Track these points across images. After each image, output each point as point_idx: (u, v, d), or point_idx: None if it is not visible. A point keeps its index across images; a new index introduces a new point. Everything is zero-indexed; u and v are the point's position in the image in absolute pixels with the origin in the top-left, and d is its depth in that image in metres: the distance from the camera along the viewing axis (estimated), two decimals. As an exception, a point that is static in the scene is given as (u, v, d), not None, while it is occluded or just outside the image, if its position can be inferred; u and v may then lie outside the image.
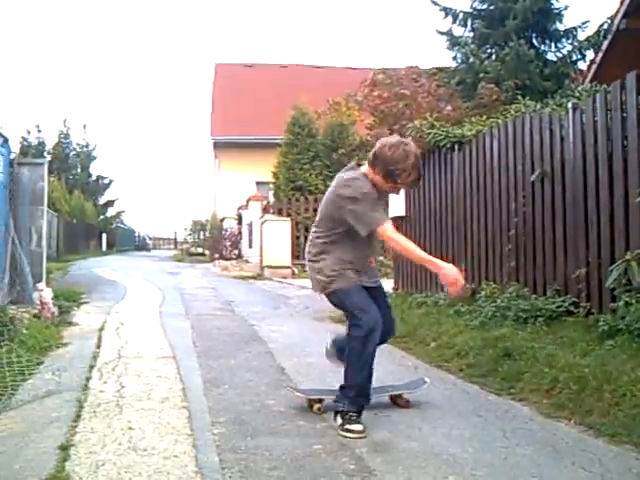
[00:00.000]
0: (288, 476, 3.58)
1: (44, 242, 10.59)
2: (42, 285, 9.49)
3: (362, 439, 4.16)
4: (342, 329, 8.70)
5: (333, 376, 5.91)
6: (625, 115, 6.27)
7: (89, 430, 4.35)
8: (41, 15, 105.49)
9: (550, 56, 17.14)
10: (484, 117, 10.31)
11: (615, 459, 3.78)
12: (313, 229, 4.85)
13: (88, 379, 5.77)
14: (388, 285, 11.49)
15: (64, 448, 3.96)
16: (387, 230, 4.51)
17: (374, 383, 5.25)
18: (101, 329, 8.54)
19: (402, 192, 10.73)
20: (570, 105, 7.33)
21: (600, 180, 6.58)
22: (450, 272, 4.31)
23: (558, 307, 6.80)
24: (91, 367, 6.26)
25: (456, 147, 9.36)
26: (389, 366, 6.37)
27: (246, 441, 4.15)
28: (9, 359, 6.11)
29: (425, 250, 4.54)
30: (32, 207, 10.18)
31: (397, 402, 4.98)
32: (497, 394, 5.28)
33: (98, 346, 7.39)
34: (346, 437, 4.18)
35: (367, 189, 4.55)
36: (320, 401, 4.83)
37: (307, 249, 4.86)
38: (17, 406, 4.98)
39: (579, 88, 12.49)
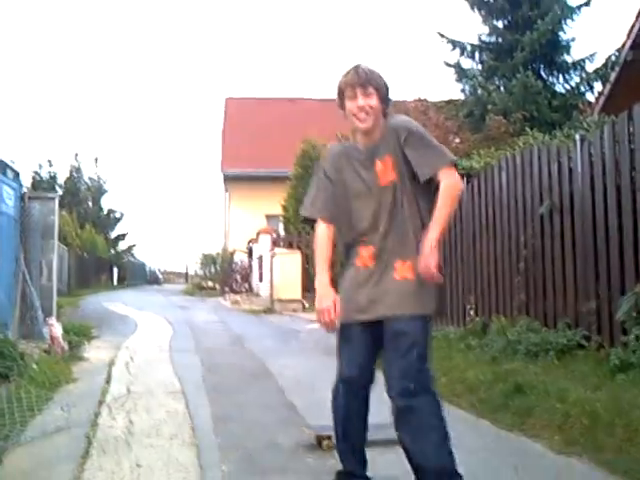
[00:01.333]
0: (297, 515, 3.55)
1: (54, 276, 10.63)
2: (52, 320, 9.50)
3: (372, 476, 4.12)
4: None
5: (343, 412, 5.90)
6: (633, 147, 6.27)
7: (97, 467, 4.32)
8: (56, 51, 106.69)
9: (558, 88, 17.23)
10: (492, 149, 10.35)
11: (628, 496, 3.73)
12: None
13: (97, 415, 5.75)
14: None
15: (72, 486, 3.94)
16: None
17: (385, 420, 5.23)
18: (111, 364, 8.52)
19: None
20: (578, 137, 7.35)
21: (609, 212, 6.57)
22: (317, 307, 3.62)
23: (569, 341, 6.76)
24: (100, 403, 6.23)
25: (465, 179, 9.37)
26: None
27: (255, 479, 4.12)
28: (18, 395, 6.11)
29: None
30: (43, 241, 10.23)
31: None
32: (508, 430, 5.23)
33: (107, 381, 7.37)
34: None
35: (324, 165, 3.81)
36: (329, 437, 4.79)
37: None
38: (26, 442, 4.96)
39: (587, 120, 12.53)
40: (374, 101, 3.49)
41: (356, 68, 3.53)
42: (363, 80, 3.49)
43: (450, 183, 3.35)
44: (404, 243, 3.47)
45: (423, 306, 3.46)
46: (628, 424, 4.56)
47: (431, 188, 3.41)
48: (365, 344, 3.63)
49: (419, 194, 3.47)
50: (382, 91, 3.54)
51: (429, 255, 3.31)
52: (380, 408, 3.71)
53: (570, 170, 7.27)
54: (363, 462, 3.85)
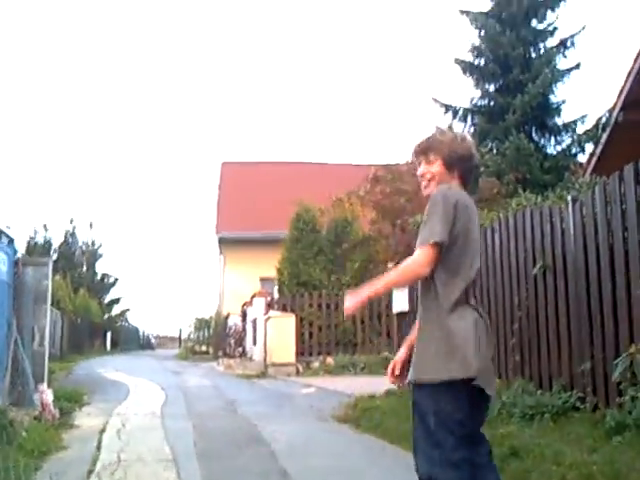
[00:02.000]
0: None
1: (47, 342, 10.54)
2: (43, 386, 9.39)
3: None
4: (346, 429, 8.62)
5: (337, 478, 5.81)
6: (624, 207, 6.29)
7: (85, 538, 4.23)
8: (52, 115, 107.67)
9: (550, 149, 17.40)
10: (485, 211, 10.38)
11: None
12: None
13: (86, 484, 5.65)
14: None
15: None
16: None
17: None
18: (102, 431, 8.40)
19: (406, 287, 10.75)
20: (570, 198, 7.38)
21: (602, 272, 6.56)
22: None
23: (564, 402, 6.69)
24: (90, 472, 6.13)
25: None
26: (393, 467, 6.23)
27: None
28: (5, 465, 5.99)
29: None
30: (35, 306, 10.17)
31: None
32: (505, 495, 5.13)
33: (98, 449, 7.26)
34: None
35: None
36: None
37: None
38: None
39: (579, 180, 12.62)
40: (435, 168, 3.50)
41: (426, 136, 3.58)
42: (424, 147, 3.55)
43: (410, 259, 3.32)
44: None
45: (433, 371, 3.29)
46: (625, 487, 4.49)
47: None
48: None
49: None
50: (445, 157, 3.49)
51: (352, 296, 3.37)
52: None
53: (562, 231, 7.29)
54: None
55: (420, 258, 3.28)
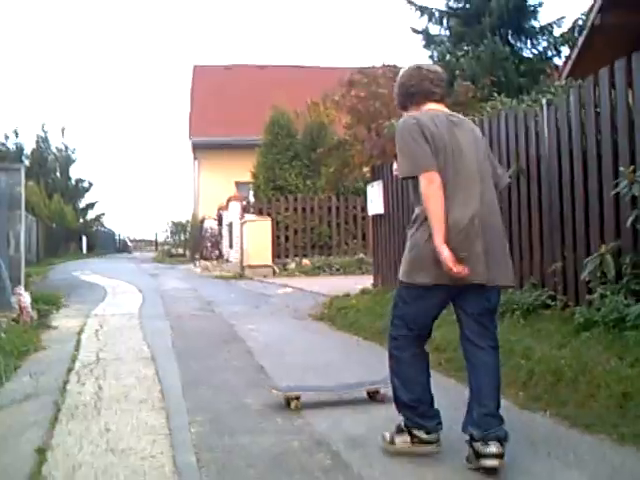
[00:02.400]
0: (265, 473, 3.60)
1: (22, 247, 10.56)
2: (20, 289, 9.45)
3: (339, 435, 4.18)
4: (323, 327, 8.80)
5: (312, 373, 5.96)
6: (599, 110, 6.31)
7: (66, 433, 4.34)
8: (19, 19, 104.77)
9: (526, 53, 17.25)
10: (460, 114, 10.36)
11: (589, 449, 3.81)
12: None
13: (66, 382, 5.75)
14: (368, 282, 11.55)
15: (41, 451, 3.95)
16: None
17: (352, 379, 5.31)
18: (80, 332, 8.51)
19: (381, 190, 10.80)
20: (544, 102, 7.37)
21: (575, 175, 6.63)
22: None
23: (535, 300, 6.83)
24: (69, 370, 6.23)
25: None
26: (367, 361, 6.40)
27: (223, 440, 4.15)
28: (-15, 364, 6.09)
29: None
30: (10, 212, 10.16)
31: (374, 397, 5.00)
32: (474, 388, 5.30)
33: (77, 349, 7.37)
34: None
35: None
36: (297, 398, 4.84)
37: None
38: (-6, 410, 4.96)
39: (555, 84, 12.55)
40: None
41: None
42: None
43: (424, 196, 3.69)
44: None
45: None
46: (591, 380, 4.66)
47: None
48: None
49: None
50: (397, 98, 4.18)
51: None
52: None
53: (537, 135, 7.31)
54: None
55: (426, 188, 3.66)
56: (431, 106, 3.94)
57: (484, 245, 3.67)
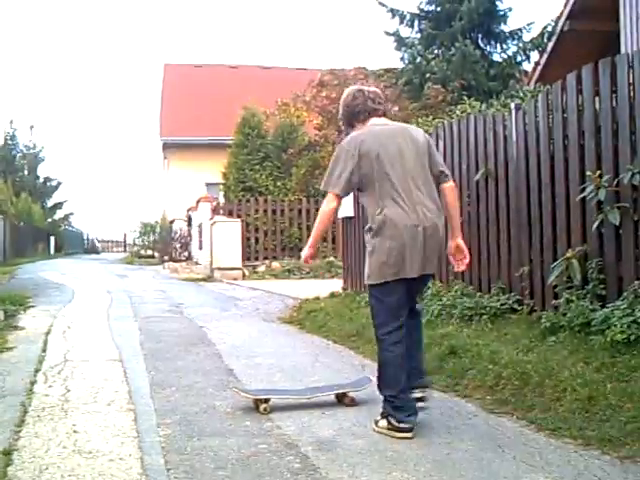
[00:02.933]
0: (233, 476, 3.60)
1: (-12, 245, 10.46)
2: (-14, 289, 9.37)
3: (308, 438, 4.20)
4: (293, 330, 8.80)
5: (281, 376, 5.97)
6: (566, 115, 6.39)
7: (33, 434, 4.31)
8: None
9: (496, 57, 17.42)
10: (430, 117, 10.44)
11: (555, 452, 3.86)
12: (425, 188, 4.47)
13: (33, 383, 5.71)
14: (338, 285, 11.57)
15: (7, 453, 3.91)
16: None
17: (321, 382, 5.33)
18: (47, 333, 8.43)
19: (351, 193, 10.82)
20: (513, 106, 7.44)
21: (542, 179, 6.70)
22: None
23: (502, 305, 6.90)
24: (36, 371, 6.18)
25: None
26: (336, 364, 6.42)
27: (192, 442, 4.15)
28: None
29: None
30: (-24, 210, 10.06)
31: (343, 401, 5.02)
32: (442, 391, 5.34)
33: (44, 350, 7.31)
34: None
35: None
36: (266, 401, 4.85)
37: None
38: (-41, 411, 4.91)
39: (524, 89, 12.69)
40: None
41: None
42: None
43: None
44: None
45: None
46: (557, 384, 4.71)
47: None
48: None
49: None
50: (342, 118, 4.79)
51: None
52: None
53: (505, 138, 7.38)
54: None
55: (324, 205, 4.49)
56: (374, 121, 4.58)
57: (423, 241, 4.29)
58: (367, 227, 4.43)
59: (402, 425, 4.21)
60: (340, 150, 4.48)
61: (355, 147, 4.38)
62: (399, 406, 4.26)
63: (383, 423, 4.31)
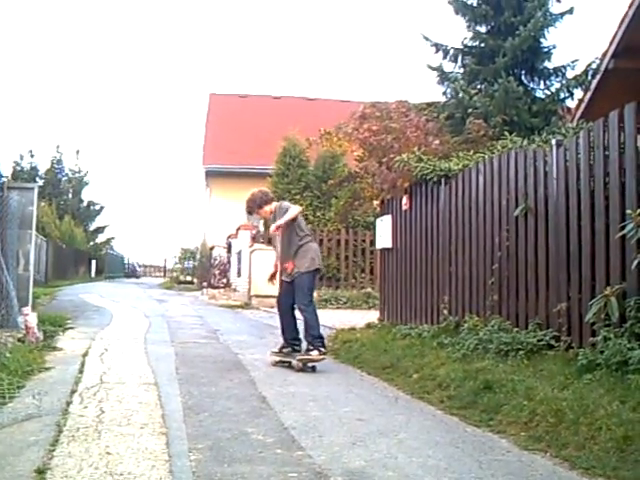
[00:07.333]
0: (262, 503, 3.60)
1: (31, 266, 10.62)
2: (27, 310, 9.49)
3: (338, 469, 4.19)
4: (325, 360, 8.80)
5: (313, 405, 5.96)
6: (607, 153, 6.36)
7: (66, 454, 4.34)
8: (37, 40, 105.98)
9: (538, 93, 17.27)
10: (471, 152, 10.42)
11: (588, 492, 3.81)
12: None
13: (69, 403, 5.76)
14: (374, 316, 11.55)
15: (40, 472, 3.95)
16: None
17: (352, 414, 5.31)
18: (85, 354, 8.53)
19: (389, 224, 10.86)
20: (554, 142, 7.42)
21: (582, 216, 6.65)
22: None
23: (539, 341, 6.84)
24: (72, 392, 6.25)
25: (443, 181, 9.43)
26: (370, 396, 6.41)
27: (222, 468, 4.15)
28: (-11, 382, 6.10)
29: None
30: (21, 231, 10.21)
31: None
32: (476, 426, 5.30)
33: (81, 371, 7.38)
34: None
35: None
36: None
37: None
38: (-4, 429, 4.97)
39: (566, 126, 12.63)
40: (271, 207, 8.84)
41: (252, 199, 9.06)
42: (259, 203, 9.01)
43: (295, 209, 8.56)
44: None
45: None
46: (592, 423, 4.65)
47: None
48: None
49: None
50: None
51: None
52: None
53: (545, 174, 7.35)
54: None
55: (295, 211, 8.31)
56: (270, 206, 8.80)
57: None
58: None
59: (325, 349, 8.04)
60: (295, 208, 8.35)
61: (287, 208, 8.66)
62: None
63: (315, 352, 7.89)
